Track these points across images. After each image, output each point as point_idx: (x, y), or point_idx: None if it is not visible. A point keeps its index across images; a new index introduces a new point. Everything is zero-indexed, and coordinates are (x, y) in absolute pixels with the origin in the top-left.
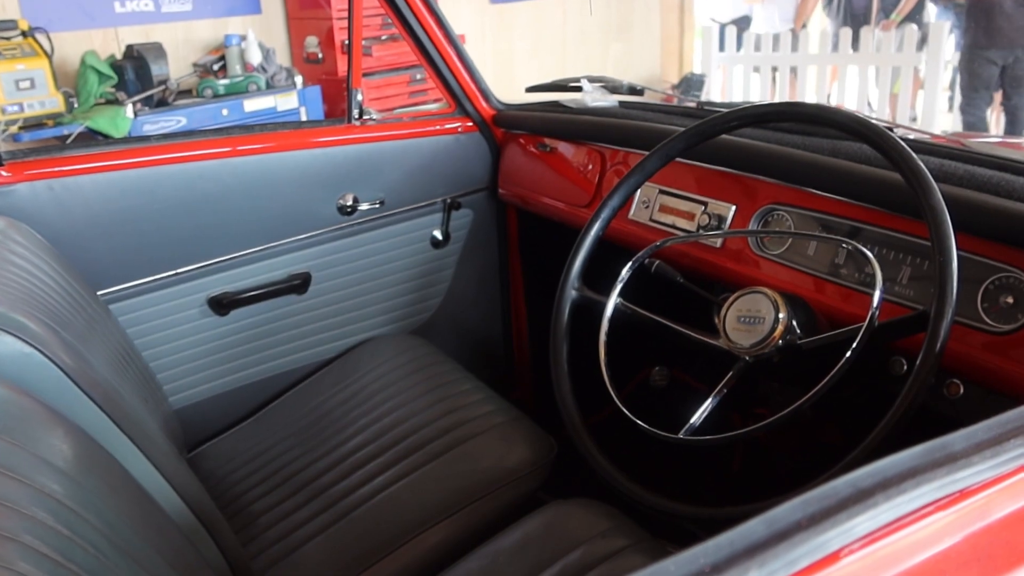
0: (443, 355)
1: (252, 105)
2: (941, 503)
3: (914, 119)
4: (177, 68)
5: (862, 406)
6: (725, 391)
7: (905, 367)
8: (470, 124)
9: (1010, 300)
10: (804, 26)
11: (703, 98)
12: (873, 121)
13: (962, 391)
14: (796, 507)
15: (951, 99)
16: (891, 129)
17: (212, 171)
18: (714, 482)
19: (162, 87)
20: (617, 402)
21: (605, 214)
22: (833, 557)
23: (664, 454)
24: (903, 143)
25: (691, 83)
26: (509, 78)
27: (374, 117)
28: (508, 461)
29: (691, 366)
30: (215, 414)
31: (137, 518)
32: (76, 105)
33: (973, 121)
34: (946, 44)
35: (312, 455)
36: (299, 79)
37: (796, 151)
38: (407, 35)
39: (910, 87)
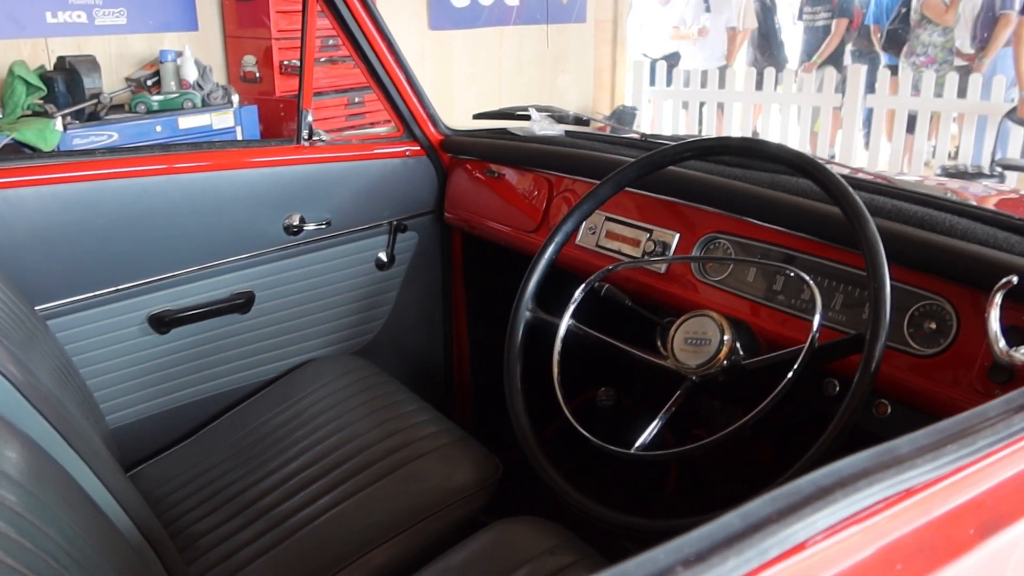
0: (386, 376)
1: (187, 122)
2: (890, 500)
3: (832, 156)
4: (110, 82)
5: (796, 426)
6: (673, 410)
7: (838, 388)
8: (417, 148)
9: (933, 326)
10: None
11: (634, 130)
12: (814, 158)
13: (890, 410)
14: (766, 503)
15: (866, 136)
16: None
17: (157, 187)
18: (650, 498)
19: (94, 101)
20: (572, 421)
21: (559, 238)
22: (800, 547)
23: (606, 470)
24: (842, 179)
25: (623, 115)
26: (449, 103)
27: (323, 138)
28: (454, 481)
29: (633, 387)
30: (153, 434)
31: (93, 532)
32: (1, 116)
33: None
34: (862, 86)
35: (254, 476)
36: (236, 98)
37: (737, 183)
38: (358, 58)
39: (829, 126)
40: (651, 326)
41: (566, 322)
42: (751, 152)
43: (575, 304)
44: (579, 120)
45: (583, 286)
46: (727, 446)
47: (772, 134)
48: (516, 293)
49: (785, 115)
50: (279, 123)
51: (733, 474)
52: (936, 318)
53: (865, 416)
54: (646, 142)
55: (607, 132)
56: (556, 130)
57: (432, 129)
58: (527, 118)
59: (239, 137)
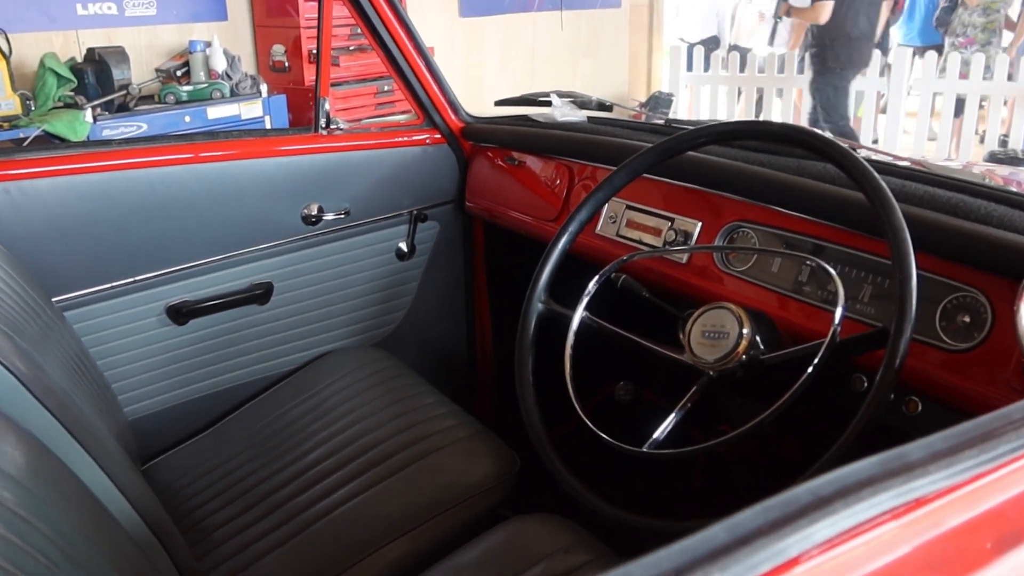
0: (406, 368)
1: (216, 112)
2: (897, 511)
3: (875, 141)
4: (139, 73)
5: (823, 422)
6: (689, 405)
7: (866, 384)
8: (438, 136)
9: (967, 319)
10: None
11: (671, 116)
12: (837, 141)
13: (920, 408)
14: (758, 513)
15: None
16: (855, 149)
17: (174, 177)
18: (676, 496)
19: (123, 92)
20: (582, 415)
21: (573, 228)
22: (793, 562)
23: (628, 468)
24: (866, 163)
25: (659, 101)
26: (479, 91)
27: (341, 127)
28: (470, 476)
29: (655, 381)
30: (171, 426)
31: (90, 528)
32: (33, 108)
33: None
34: (907, 68)
35: (270, 468)
36: (264, 87)
37: (762, 169)
38: (377, 45)
39: (873, 110)
40: (670, 319)
41: (579, 314)
42: (771, 136)
43: (589, 296)
44: (602, 106)
45: (597, 277)
46: (753, 442)
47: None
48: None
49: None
50: (308, 112)
51: (760, 471)
52: (970, 311)
53: (895, 414)
54: (670, 128)
55: (641, 119)
56: (578, 116)
57: (453, 117)
58: (548, 104)
59: (268, 127)
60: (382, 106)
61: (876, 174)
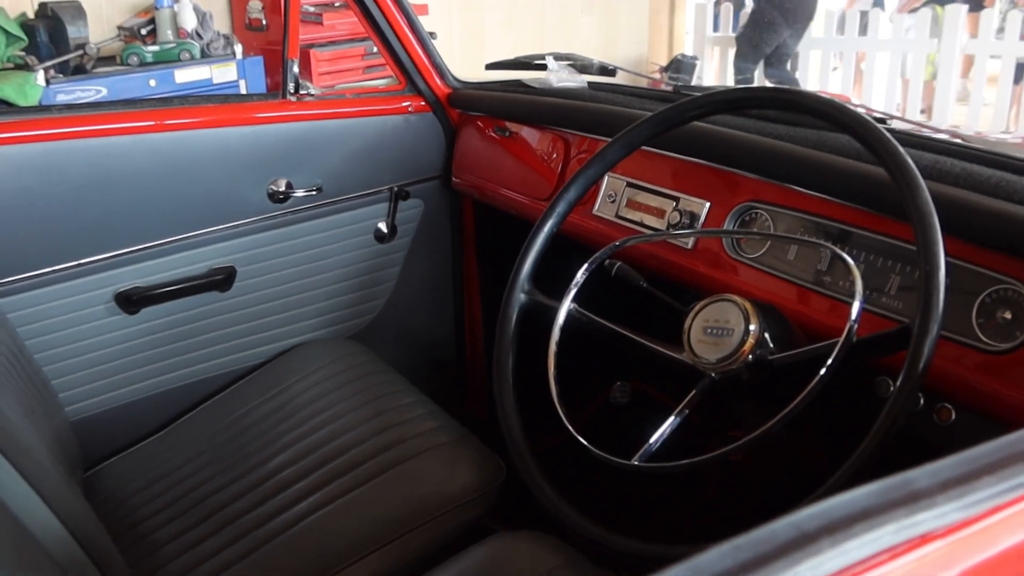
0: (384, 364)
1: (184, 76)
2: (898, 549)
3: (923, 111)
4: (98, 31)
5: (850, 429)
6: (687, 411)
7: (892, 388)
8: (422, 103)
9: (1008, 315)
10: None
11: (695, 83)
12: (854, 109)
13: (954, 417)
14: (726, 554)
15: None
16: (884, 120)
17: (124, 148)
18: (688, 511)
19: (80, 52)
20: (564, 420)
21: (560, 208)
22: None
23: (631, 482)
24: (888, 135)
25: (682, 65)
26: (479, 53)
27: (312, 92)
28: (450, 486)
29: (660, 380)
30: (119, 427)
31: (4, 552)
32: None
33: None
34: (961, 30)
35: (228, 476)
36: (239, 48)
37: (777, 143)
38: (351, 0)
39: (922, 74)
40: (673, 312)
41: (566, 307)
42: (780, 104)
43: (577, 286)
44: (604, 70)
45: (587, 264)
46: (773, 452)
47: (875, 87)
48: (554, 269)
49: (872, 63)
50: None
51: (782, 483)
52: (1011, 306)
53: (925, 423)
54: (679, 94)
55: (658, 87)
56: (577, 82)
57: (438, 82)
58: (544, 67)
59: (243, 92)
60: (371, 69)
61: (899, 147)
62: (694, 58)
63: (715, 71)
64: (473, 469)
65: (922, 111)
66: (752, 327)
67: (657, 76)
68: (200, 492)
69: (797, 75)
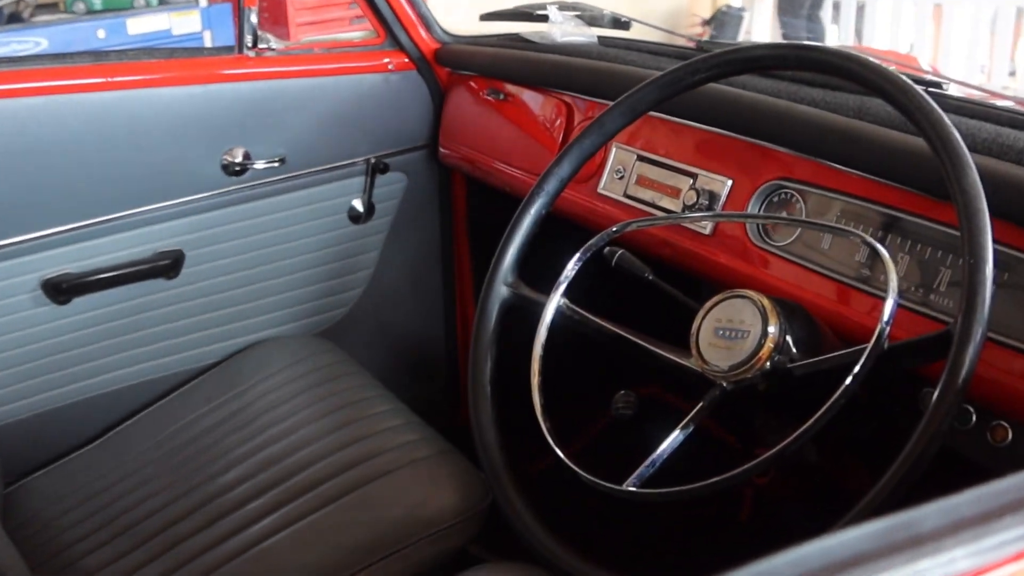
0: (357, 366)
1: (139, 26)
2: None
3: (1012, 73)
4: None
5: (893, 448)
6: (693, 427)
7: (975, 418)
8: (405, 60)
9: None
10: None
11: (741, 39)
12: (890, 68)
13: (1010, 437)
14: None
15: None
16: (939, 84)
17: (51, 111)
18: (711, 539)
19: None
20: (547, 437)
21: (549, 187)
22: None
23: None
24: (929, 100)
25: (726, 19)
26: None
27: (273, 47)
28: (427, 508)
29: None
30: (44, 437)
31: None
32: None
33: None
34: None
35: (171, 494)
36: None
37: (811, 110)
38: None
39: (1011, 29)
40: (685, 311)
41: (555, 302)
42: (804, 63)
43: (568, 279)
44: (617, 23)
45: (579, 254)
46: (803, 474)
47: (953, 45)
48: (553, 257)
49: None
50: (261, 27)
51: (822, 507)
52: None
53: (977, 444)
54: (700, 51)
55: (691, 45)
56: (585, 36)
57: (424, 35)
58: (547, 19)
59: (207, 46)
60: (358, 20)
61: (943, 115)
62: (741, 10)
63: (768, 24)
64: (455, 489)
65: (1011, 74)
66: (771, 329)
67: (694, 31)
68: (138, 512)
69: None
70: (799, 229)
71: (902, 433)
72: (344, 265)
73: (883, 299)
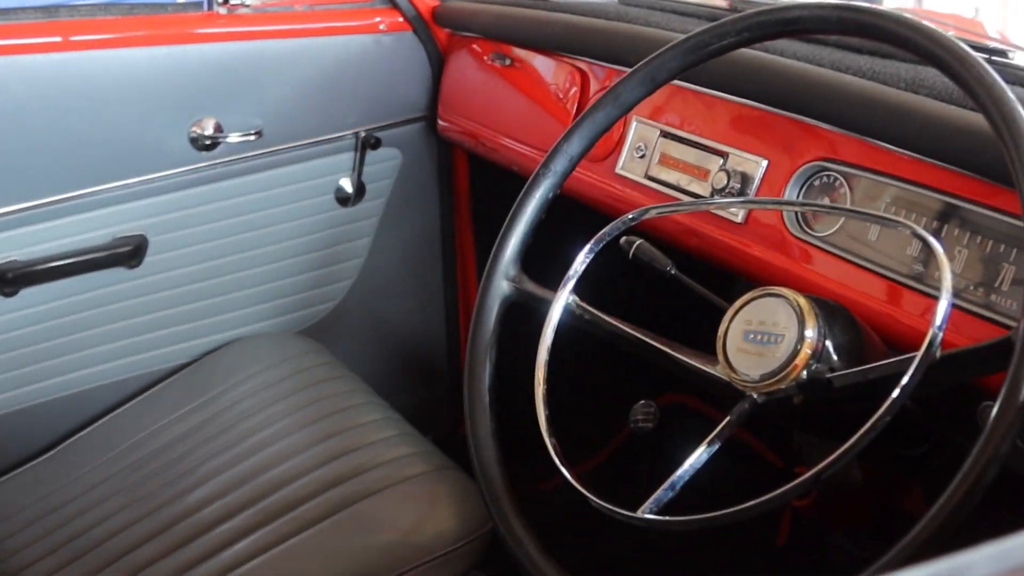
0: (346, 369)
1: None
2: None
3: None
4: None
5: (951, 464)
6: (719, 443)
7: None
8: (399, 20)
9: None
10: None
11: None
12: (950, 35)
13: None
14: None
15: None
16: (1004, 52)
17: None
18: (751, 562)
19: None
20: (553, 456)
21: (557, 166)
22: None
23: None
24: (990, 70)
25: None
26: None
27: (248, 3)
28: (423, 533)
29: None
30: None
31: None
32: None
33: None
34: None
35: (132, 513)
36: None
37: (858, 81)
38: None
39: None
40: (712, 311)
41: (563, 300)
42: (849, 26)
43: (578, 273)
44: None
45: (592, 243)
46: (851, 497)
47: None
48: (561, 248)
49: None
50: None
51: (865, 531)
52: None
53: None
54: (734, 11)
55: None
56: None
57: None
58: None
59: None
60: None
61: (1005, 88)
62: None
63: None
64: (455, 511)
65: None
66: (808, 333)
67: None
68: (94, 535)
69: None
70: (843, 218)
71: (960, 451)
72: (331, 254)
73: (937, 300)
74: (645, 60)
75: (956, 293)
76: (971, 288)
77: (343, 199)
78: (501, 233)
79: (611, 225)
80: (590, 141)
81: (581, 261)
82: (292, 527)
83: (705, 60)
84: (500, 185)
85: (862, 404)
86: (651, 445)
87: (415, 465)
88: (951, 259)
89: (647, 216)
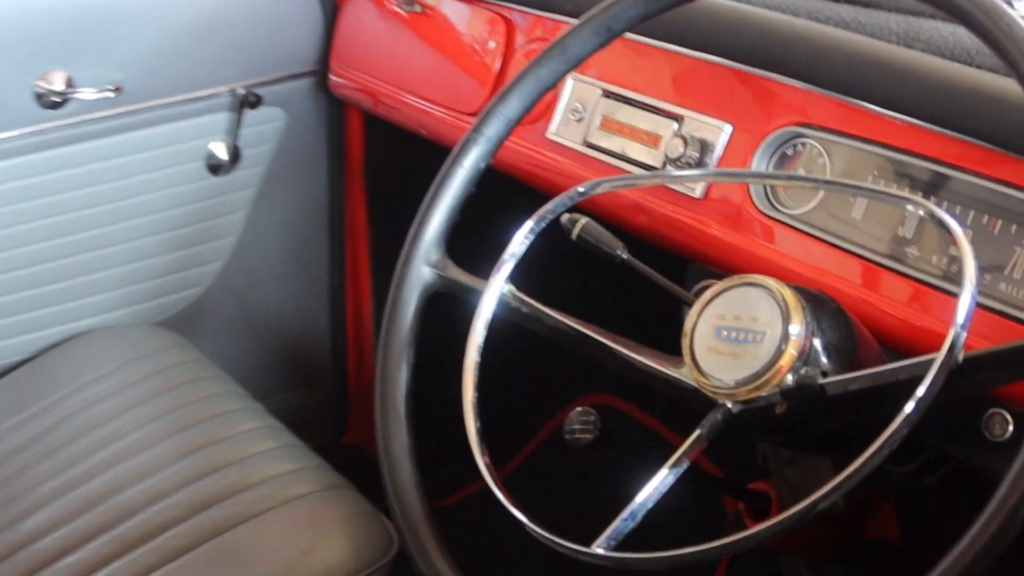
0: (214, 367)
1: None
2: None
3: None
4: None
5: (938, 486)
6: (687, 464)
7: (1011, 427)
8: None
9: None
10: None
11: None
12: None
13: None
14: None
15: None
16: None
17: None
18: None
19: None
20: (487, 477)
21: (490, 130)
22: None
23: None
24: (1020, 21)
25: None
26: None
27: None
28: (311, 564)
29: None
30: None
31: None
32: None
33: None
34: None
35: None
36: None
37: (840, 33)
38: None
39: None
40: (670, 301)
41: (497, 289)
42: None
43: (515, 257)
44: None
45: (531, 223)
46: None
47: None
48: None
49: None
50: None
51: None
52: None
53: None
54: None
55: None
56: None
57: None
58: None
59: None
60: None
61: None
62: None
63: None
64: (349, 538)
65: None
66: (794, 329)
67: None
68: None
69: None
70: (821, 192)
71: (960, 467)
72: (198, 231)
73: (936, 289)
74: (601, 6)
75: (957, 283)
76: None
77: (215, 167)
78: (422, 209)
79: (556, 200)
80: (531, 101)
81: (519, 243)
82: (153, 559)
83: (674, 7)
84: (402, 152)
85: (856, 415)
86: (600, 464)
87: (301, 483)
88: (949, 243)
89: (599, 191)
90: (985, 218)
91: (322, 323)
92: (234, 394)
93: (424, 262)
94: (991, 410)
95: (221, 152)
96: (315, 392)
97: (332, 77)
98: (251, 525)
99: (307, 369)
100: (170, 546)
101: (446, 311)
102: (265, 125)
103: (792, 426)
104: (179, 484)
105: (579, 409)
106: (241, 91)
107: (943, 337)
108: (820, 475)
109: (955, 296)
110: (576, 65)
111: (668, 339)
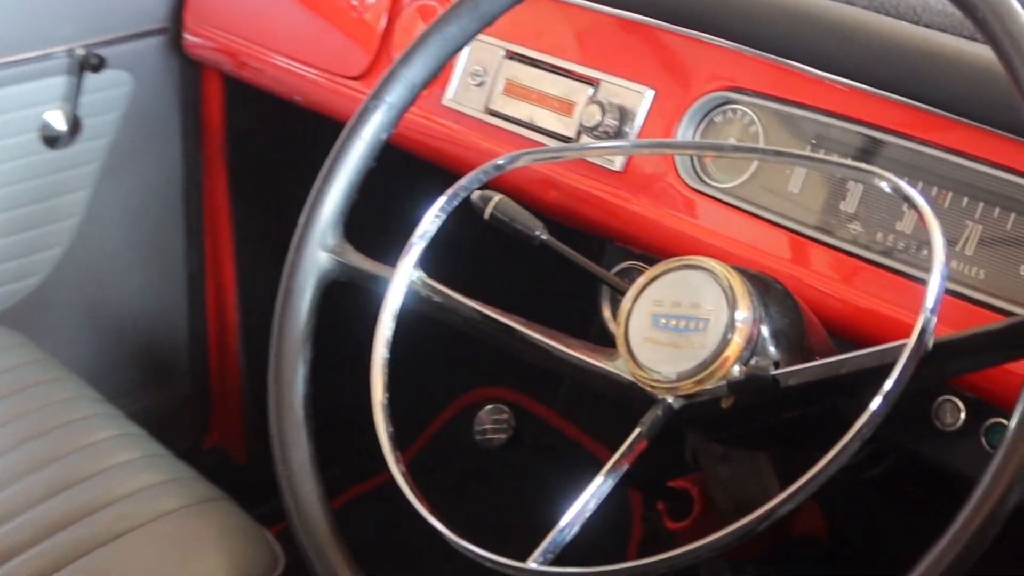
0: (60, 367)
1: None
2: None
3: None
4: None
5: (883, 480)
6: (626, 467)
7: (963, 416)
8: None
9: None
10: None
11: None
12: None
13: None
14: None
15: None
16: None
17: None
18: None
19: None
20: (401, 483)
21: (393, 97)
22: None
23: None
24: None
25: None
26: None
27: None
28: None
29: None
30: None
31: None
32: None
33: None
34: None
35: None
36: None
37: None
38: None
39: None
40: (596, 286)
41: (405, 276)
42: None
43: (425, 239)
44: None
45: (442, 201)
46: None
47: None
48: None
49: None
50: None
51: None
52: None
53: None
54: None
55: None
56: None
57: None
58: None
59: None
60: None
61: (1017, 6)
62: None
63: None
64: (226, 558)
65: None
66: (741, 316)
67: None
68: None
69: None
70: (755, 164)
71: (900, 462)
72: (33, 212)
73: (890, 270)
74: None
75: (905, 262)
76: (916, 250)
77: (52, 139)
78: (316, 187)
79: (470, 175)
80: (438, 64)
81: (428, 225)
82: None
83: None
84: (269, 120)
85: (808, 407)
86: (464, 449)
87: (168, 497)
88: (896, 218)
89: (520, 163)
90: (935, 190)
91: (179, 313)
92: (85, 397)
93: (320, 247)
94: (941, 398)
95: (58, 122)
96: (172, 391)
97: (186, 36)
98: (113, 547)
99: (163, 366)
100: (20, 574)
101: (329, 301)
102: (109, 91)
103: (737, 421)
104: (29, 502)
105: (489, 407)
106: (80, 52)
107: (893, 321)
108: (757, 472)
109: (904, 276)
110: (490, 23)
111: (597, 327)
